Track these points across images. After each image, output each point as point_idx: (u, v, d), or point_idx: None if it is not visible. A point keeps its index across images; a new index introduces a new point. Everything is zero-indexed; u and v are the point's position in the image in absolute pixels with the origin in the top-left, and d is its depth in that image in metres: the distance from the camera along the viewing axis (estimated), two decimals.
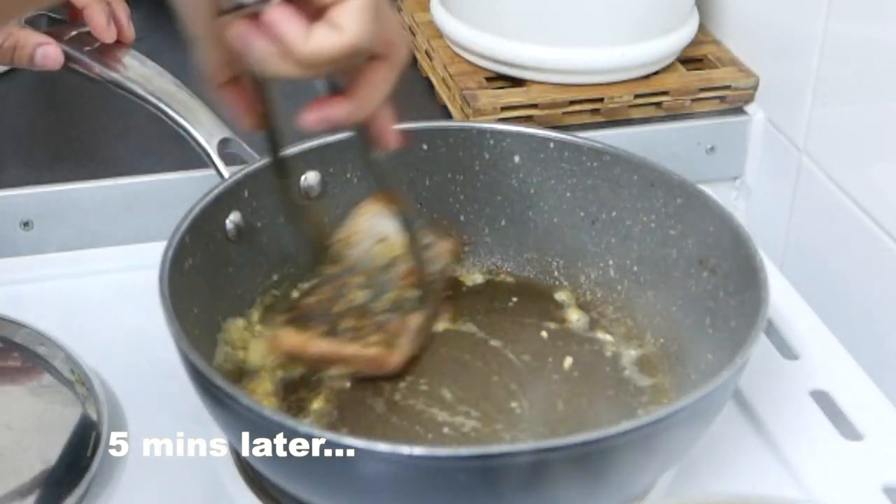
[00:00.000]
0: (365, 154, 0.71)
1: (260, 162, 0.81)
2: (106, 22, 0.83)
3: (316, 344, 0.75)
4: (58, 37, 0.82)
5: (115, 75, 0.83)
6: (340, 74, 0.63)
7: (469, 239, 0.87)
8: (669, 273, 0.80)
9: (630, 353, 0.80)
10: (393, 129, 0.68)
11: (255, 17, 0.58)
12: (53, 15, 0.85)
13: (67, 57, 0.83)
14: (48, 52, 0.81)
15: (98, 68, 0.83)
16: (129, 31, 0.85)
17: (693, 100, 1.01)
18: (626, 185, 0.82)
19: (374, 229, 0.81)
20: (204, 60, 0.64)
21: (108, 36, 0.83)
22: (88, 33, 0.84)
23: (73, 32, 0.84)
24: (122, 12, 0.85)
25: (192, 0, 0.60)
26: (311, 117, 0.64)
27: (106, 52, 0.84)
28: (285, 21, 0.58)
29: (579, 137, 0.84)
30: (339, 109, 0.64)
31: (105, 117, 1.02)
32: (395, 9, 0.66)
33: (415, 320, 0.77)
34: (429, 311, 0.79)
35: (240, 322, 0.79)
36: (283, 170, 0.73)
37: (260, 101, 0.66)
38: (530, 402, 0.76)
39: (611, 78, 1.00)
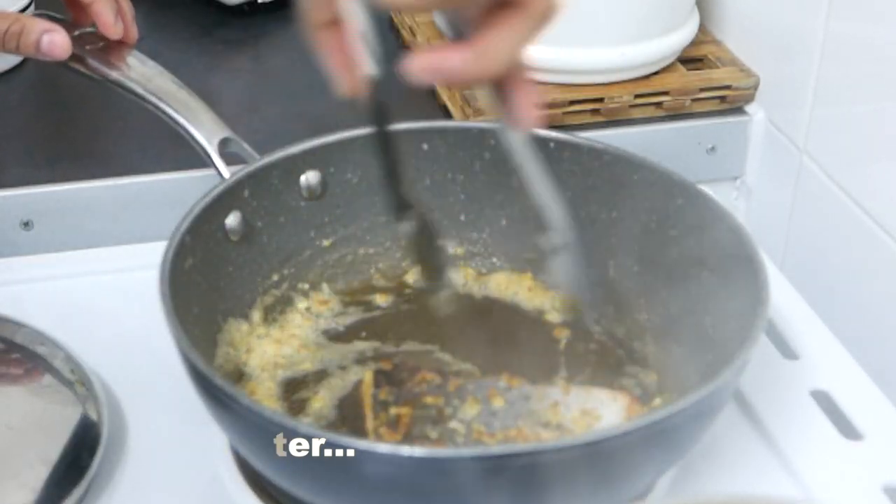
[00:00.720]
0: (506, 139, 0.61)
1: (260, 161, 0.81)
2: (113, 18, 0.83)
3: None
4: None
5: (115, 75, 0.83)
6: (466, 18, 0.55)
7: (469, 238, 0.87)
8: (669, 273, 0.80)
9: (630, 353, 0.80)
10: (532, 105, 0.58)
11: None
12: (55, 15, 0.85)
13: (70, 56, 0.83)
14: (55, 40, 0.80)
15: (98, 68, 0.83)
16: (133, 31, 0.85)
17: (693, 100, 1.01)
18: (626, 185, 0.82)
19: None
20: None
21: (115, 32, 0.83)
22: (90, 33, 0.84)
23: (76, 32, 0.84)
24: (128, 11, 0.85)
25: None
26: (420, 63, 0.54)
27: (106, 52, 0.84)
28: None
29: (579, 137, 0.84)
30: (454, 57, 0.54)
31: (105, 117, 1.02)
32: None
33: None
34: None
35: (240, 322, 0.79)
36: (388, 144, 0.62)
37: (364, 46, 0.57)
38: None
39: (611, 78, 1.00)
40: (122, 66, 0.83)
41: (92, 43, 0.84)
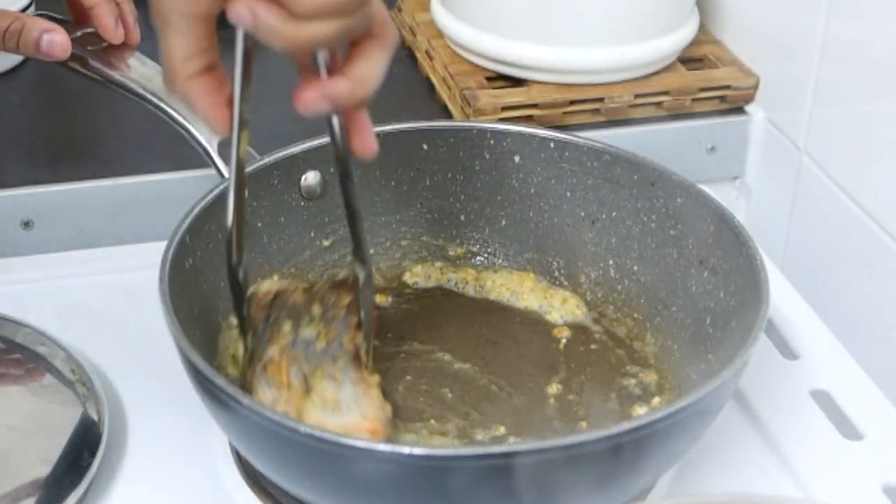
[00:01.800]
0: (341, 161, 0.68)
1: (260, 161, 0.81)
2: (114, 23, 0.83)
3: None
4: None
5: (115, 75, 0.82)
6: (334, 52, 0.62)
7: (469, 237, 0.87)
8: (670, 273, 0.80)
9: (630, 353, 0.80)
10: (371, 135, 0.67)
11: None
12: (56, 16, 0.85)
13: (70, 57, 0.83)
14: (55, 40, 0.79)
15: (99, 68, 0.83)
16: (135, 34, 0.84)
17: (693, 100, 1.01)
18: (627, 185, 0.82)
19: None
20: (174, 50, 0.61)
21: (116, 37, 0.83)
22: (91, 34, 0.84)
23: (78, 33, 0.84)
24: (130, 14, 0.84)
25: None
26: (310, 94, 0.62)
27: (107, 53, 0.84)
28: None
29: (579, 137, 0.84)
30: (339, 86, 0.62)
31: (105, 117, 1.02)
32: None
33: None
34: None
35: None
36: (241, 178, 0.68)
37: (241, 91, 0.63)
38: (529, 400, 0.76)
39: (611, 78, 1.00)
40: (123, 67, 0.83)
41: (93, 43, 0.84)
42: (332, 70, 0.63)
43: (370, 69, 0.63)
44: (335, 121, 0.67)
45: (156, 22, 0.62)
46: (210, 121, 0.64)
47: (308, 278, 0.83)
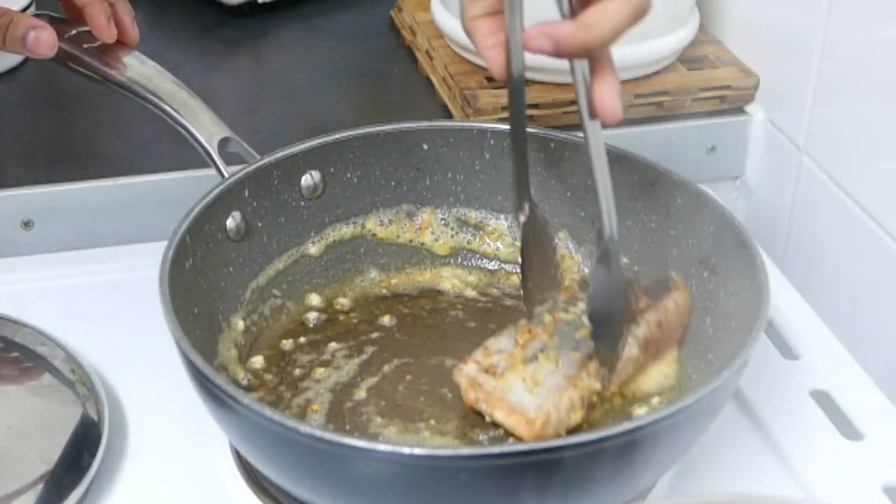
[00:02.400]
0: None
1: (260, 161, 0.81)
2: (106, 21, 0.82)
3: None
4: (58, 35, 0.82)
5: (115, 75, 0.82)
6: None
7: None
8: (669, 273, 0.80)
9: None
10: (615, 96, 0.66)
11: None
12: (54, 14, 0.85)
13: (67, 56, 0.83)
14: (41, 37, 0.78)
15: (98, 68, 0.83)
16: (133, 33, 0.84)
17: (693, 100, 1.01)
18: (627, 185, 0.82)
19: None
20: None
21: (108, 36, 0.83)
22: (86, 32, 0.84)
23: (73, 31, 0.84)
24: (126, 14, 0.84)
25: None
26: (535, 31, 0.64)
27: (106, 52, 0.84)
28: None
29: (580, 137, 0.84)
30: (562, 27, 0.64)
31: (105, 117, 1.02)
32: None
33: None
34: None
35: (240, 322, 0.79)
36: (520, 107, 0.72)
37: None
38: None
39: None
40: (122, 66, 0.83)
41: (88, 41, 0.84)
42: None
43: (600, 18, 0.64)
44: (578, 71, 0.67)
45: None
46: (488, 62, 0.70)
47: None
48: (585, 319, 0.74)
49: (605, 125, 0.67)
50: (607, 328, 0.71)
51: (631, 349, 0.74)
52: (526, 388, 0.71)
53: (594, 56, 0.66)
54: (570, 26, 0.64)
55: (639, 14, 0.65)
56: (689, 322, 0.77)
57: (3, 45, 0.79)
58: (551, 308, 0.76)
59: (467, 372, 0.73)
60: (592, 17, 0.64)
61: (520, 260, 0.77)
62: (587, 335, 0.73)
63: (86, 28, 0.84)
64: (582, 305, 0.76)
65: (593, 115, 0.67)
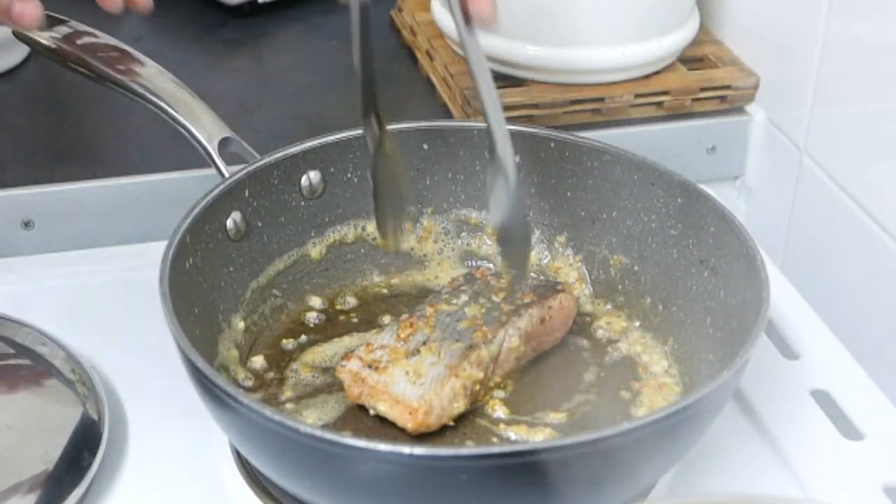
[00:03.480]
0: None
1: (260, 161, 0.81)
2: None
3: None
4: (58, 36, 0.82)
5: (115, 75, 0.82)
6: None
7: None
8: (670, 273, 0.80)
9: (631, 353, 0.80)
10: (486, 1, 0.66)
11: None
12: (56, 16, 0.85)
13: (68, 55, 0.83)
14: (25, 10, 0.75)
15: (98, 67, 0.83)
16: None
17: (693, 99, 1.01)
18: (627, 185, 0.82)
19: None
20: None
21: (114, 5, 0.81)
22: (89, 32, 0.84)
23: (70, 31, 0.84)
24: None
25: None
26: None
27: (106, 52, 0.84)
28: None
29: (579, 137, 0.84)
30: None
31: (105, 117, 1.02)
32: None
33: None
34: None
35: (240, 322, 0.79)
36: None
37: None
38: (529, 399, 0.76)
39: (611, 78, 1.00)
40: (122, 66, 0.83)
41: (91, 41, 0.84)
42: None
43: None
44: None
45: None
46: None
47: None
48: (467, 311, 0.76)
49: (482, 28, 0.68)
50: (513, 236, 0.72)
51: (512, 340, 0.75)
52: (409, 380, 0.72)
53: None
54: None
55: None
56: (570, 325, 0.80)
57: None
58: (432, 300, 0.78)
59: (350, 367, 0.74)
60: None
61: (372, 185, 0.77)
62: (469, 325, 0.75)
63: (86, 28, 0.84)
64: (464, 297, 0.78)
65: (468, 21, 0.67)
